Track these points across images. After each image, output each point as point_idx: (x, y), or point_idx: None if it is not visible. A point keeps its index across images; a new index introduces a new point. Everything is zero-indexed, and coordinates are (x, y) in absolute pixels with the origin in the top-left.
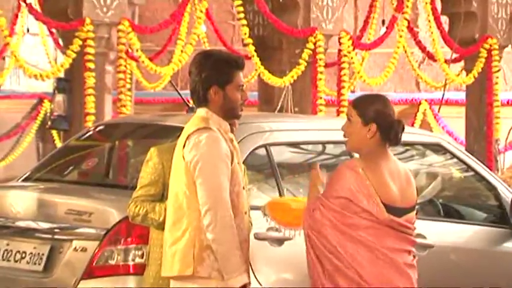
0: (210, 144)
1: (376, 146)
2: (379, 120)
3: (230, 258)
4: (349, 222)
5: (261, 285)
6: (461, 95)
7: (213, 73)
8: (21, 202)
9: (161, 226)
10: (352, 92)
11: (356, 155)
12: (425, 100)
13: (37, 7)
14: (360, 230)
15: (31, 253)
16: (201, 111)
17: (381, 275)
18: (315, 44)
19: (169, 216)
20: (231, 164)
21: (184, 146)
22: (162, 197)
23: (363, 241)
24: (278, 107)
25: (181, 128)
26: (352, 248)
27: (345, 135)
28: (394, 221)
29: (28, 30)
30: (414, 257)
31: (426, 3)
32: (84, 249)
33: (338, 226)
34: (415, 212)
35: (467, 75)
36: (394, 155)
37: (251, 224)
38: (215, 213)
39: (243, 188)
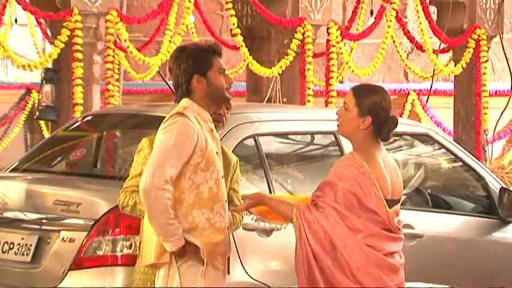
0: (175, 127)
1: (367, 138)
2: (375, 114)
3: (165, 228)
4: (357, 227)
5: (249, 275)
6: (450, 85)
7: (191, 62)
8: (9, 193)
9: None
10: (341, 82)
11: (347, 148)
12: (414, 90)
13: None
14: (362, 234)
15: (19, 244)
16: (182, 102)
17: (380, 279)
18: (303, 34)
19: None
20: (205, 150)
21: None
22: None
23: (363, 245)
24: (266, 98)
25: None
26: (353, 251)
27: (338, 120)
28: (392, 223)
29: (16, 21)
30: (401, 256)
31: None
32: (72, 240)
33: (342, 227)
34: (400, 203)
35: (455, 65)
36: (383, 145)
37: (242, 217)
38: (148, 194)
39: (222, 177)
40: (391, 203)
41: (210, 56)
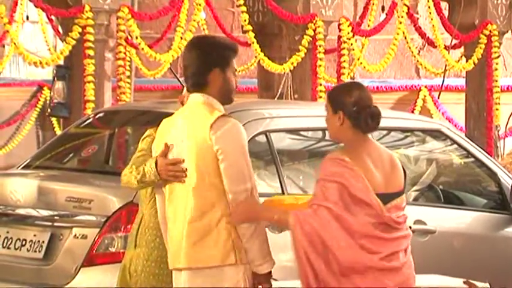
0: (238, 134)
1: (352, 134)
2: (345, 108)
3: (262, 246)
4: (353, 228)
5: None
6: (461, 81)
7: (215, 56)
8: (21, 190)
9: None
10: (352, 78)
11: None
12: (425, 86)
13: None
14: (357, 235)
15: (31, 241)
16: (199, 97)
17: (376, 279)
18: (314, 30)
19: (196, 207)
20: None
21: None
22: None
23: (357, 248)
24: (278, 94)
25: None
26: (347, 252)
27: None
28: (388, 216)
29: (27, 18)
30: (405, 254)
31: None
32: (84, 237)
33: (336, 228)
34: (403, 196)
35: (467, 61)
36: (395, 141)
37: None
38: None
39: None
40: (386, 197)
41: (231, 54)
